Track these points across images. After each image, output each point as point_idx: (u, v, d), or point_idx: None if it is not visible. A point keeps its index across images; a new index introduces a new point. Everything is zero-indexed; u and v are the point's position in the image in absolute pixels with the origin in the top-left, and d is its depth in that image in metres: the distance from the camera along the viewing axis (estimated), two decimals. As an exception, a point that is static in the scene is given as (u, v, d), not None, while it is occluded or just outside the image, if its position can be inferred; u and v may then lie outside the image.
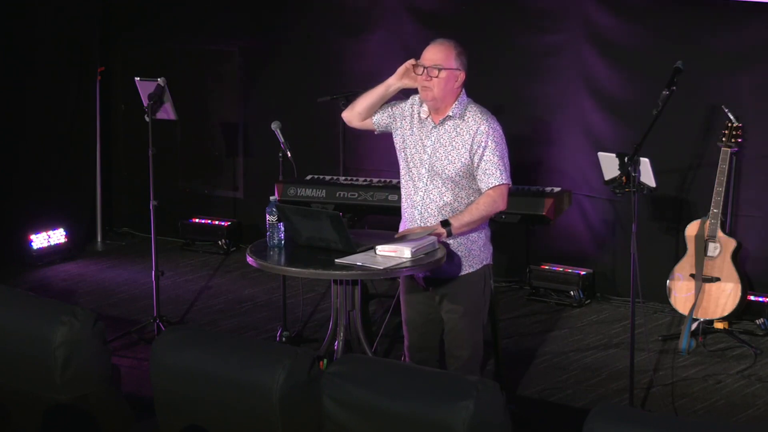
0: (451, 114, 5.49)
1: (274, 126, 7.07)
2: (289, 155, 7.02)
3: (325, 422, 3.80)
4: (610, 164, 6.48)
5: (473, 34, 8.21)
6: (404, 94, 5.70)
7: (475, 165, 5.44)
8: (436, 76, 5.43)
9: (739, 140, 7.22)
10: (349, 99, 7.09)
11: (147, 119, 7.21)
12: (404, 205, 5.64)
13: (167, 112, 7.40)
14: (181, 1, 9.39)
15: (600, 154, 6.70)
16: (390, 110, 5.66)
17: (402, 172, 5.62)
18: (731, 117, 7.21)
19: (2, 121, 8.82)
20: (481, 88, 8.04)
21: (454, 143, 5.47)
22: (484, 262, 5.62)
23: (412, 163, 5.55)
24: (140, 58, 9.35)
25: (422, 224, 5.52)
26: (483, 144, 5.42)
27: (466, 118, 5.48)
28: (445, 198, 5.48)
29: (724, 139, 7.20)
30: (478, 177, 5.45)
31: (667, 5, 7.73)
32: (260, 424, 3.88)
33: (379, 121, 5.66)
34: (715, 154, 7.25)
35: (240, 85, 9.25)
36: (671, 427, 3.47)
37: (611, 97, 7.95)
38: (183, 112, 7.92)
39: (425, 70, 5.46)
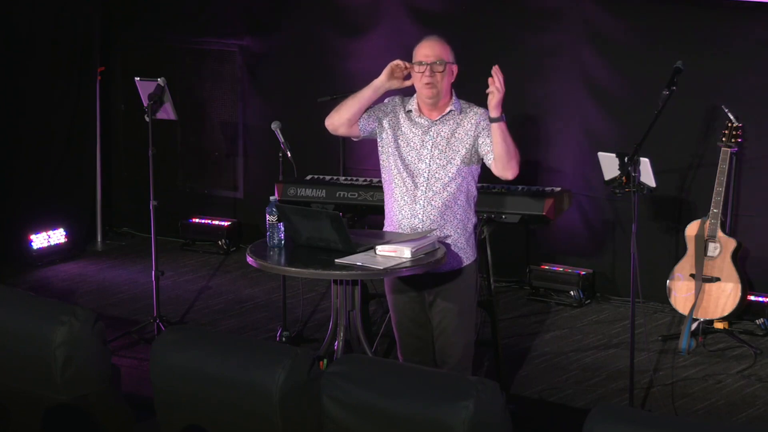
0: (452, 108, 5.56)
1: (274, 126, 7.07)
2: (289, 155, 7.02)
3: (325, 422, 3.80)
4: (610, 164, 6.48)
5: (473, 34, 8.21)
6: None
7: (481, 142, 5.49)
8: (441, 71, 5.47)
9: (739, 140, 7.22)
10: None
11: (147, 119, 7.22)
12: (399, 203, 5.59)
13: (167, 112, 7.40)
14: (181, 1, 9.39)
15: (600, 154, 6.70)
16: (375, 114, 5.64)
17: (393, 172, 5.60)
18: (731, 117, 7.21)
19: (2, 121, 8.82)
20: (482, 88, 8.06)
21: (456, 134, 5.53)
22: (473, 257, 5.65)
23: (408, 160, 5.57)
24: (140, 58, 9.35)
25: (424, 218, 5.54)
26: (487, 127, 5.49)
27: (466, 111, 5.57)
28: (448, 189, 5.53)
29: (724, 139, 7.20)
30: (483, 142, 5.49)
31: (667, 5, 7.73)
32: (260, 424, 3.88)
33: (365, 126, 5.64)
34: (715, 154, 7.25)
35: (240, 85, 9.25)
36: (671, 427, 3.47)
37: (611, 97, 7.95)
38: (183, 112, 7.93)
39: (428, 67, 5.47)
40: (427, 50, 5.51)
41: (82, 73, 9.22)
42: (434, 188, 5.53)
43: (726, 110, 7.23)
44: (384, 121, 5.63)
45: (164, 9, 9.42)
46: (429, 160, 5.54)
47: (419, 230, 5.53)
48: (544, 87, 8.14)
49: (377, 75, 5.66)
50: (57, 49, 9.03)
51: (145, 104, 7.28)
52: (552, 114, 8.16)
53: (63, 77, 9.10)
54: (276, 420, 3.83)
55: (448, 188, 5.53)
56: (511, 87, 8.14)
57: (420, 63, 5.50)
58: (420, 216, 5.55)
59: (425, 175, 5.54)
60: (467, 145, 5.52)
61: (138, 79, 7.46)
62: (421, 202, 5.54)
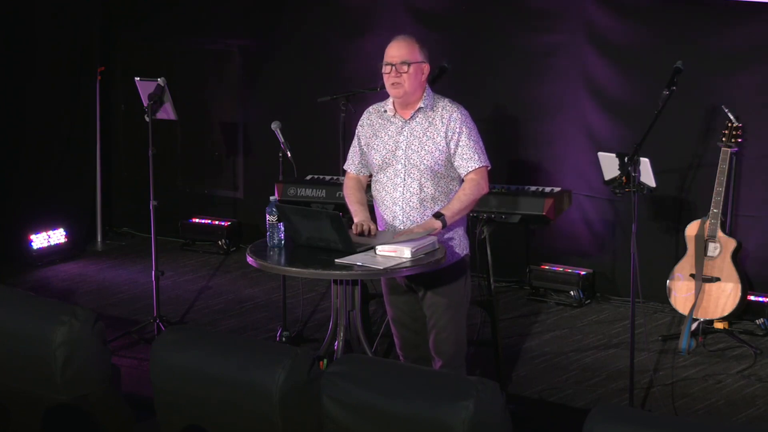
0: (422, 106, 5.62)
1: (274, 126, 7.07)
2: (289, 155, 7.02)
3: (325, 422, 3.80)
4: (610, 164, 6.48)
5: (473, 34, 8.21)
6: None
7: (452, 151, 5.57)
8: (406, 72, 5.54)
9: (739, 140, 7.22)
10: (349, 99, 7.10)
11: (147, 119, 7.22)
12: (383, 204, 5.68)
13: (167, 112, 7.40)
14: (181, 1, 9.40)
15: (600, 154, 6.70)
16: (361, 155, 5.77)
17: (377, 174, 5.70)
18: (731, 117, 7.20)
19: (2, 121, 8.82)
20: (482, 88, 8.08)
21: (428, 133, 5.58)
22: (464, 252, 5.67)
23: (386, 162, 5.64)
24: (140, 58, 9.36)
25: (405, 219, 5.60)
26: (458, 130, 5.56)
27: (436, 108, 5.62)
28: (426, 189, 5.59)
29: (724, 139, 7.20)
30: (457, 163, 5.59)
31: (667, 5, 7.73)
32: (260, 424, 3.88)
33: (368, 169, 5.77)
34: (715, 154, 7.25)
35: (240, 85, 9.25)
36: (671, 427, 3.46)
37: (611, 97, 7.94)
38: (183, 112, 7.93)
39: (393, 68, 5.55)
40: (393, 51, 5.61)
41: (82, 73, 9.23)
42: (411, 188, 5.59)
43: (726, 110, 7.23)
44: (362, 140, 5.74)
45: (164, 9, 9.42)
46: (404, 160, 5.59)
47: (400, 230, 5.57)
48: (544, 87, 8.14)
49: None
50: (57, 49, 9.04)
51: (145, 104, 7.28)
52: (552, 114, 8.16)
53: (63, 77, 9.10)
54: (276, 420, 3.83)
55: (425, 188, 5.58)
56: (512, 87, 8.21)
57: (387, 64, 5.59)
58: (400, 217, 5.61)
59: (401, 175, 5.59)
60: (441, 147, 5.57)
61: (138, 79, 7.46)
62: (399, 203, 5.61)
